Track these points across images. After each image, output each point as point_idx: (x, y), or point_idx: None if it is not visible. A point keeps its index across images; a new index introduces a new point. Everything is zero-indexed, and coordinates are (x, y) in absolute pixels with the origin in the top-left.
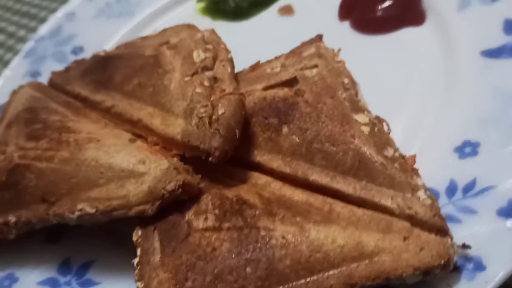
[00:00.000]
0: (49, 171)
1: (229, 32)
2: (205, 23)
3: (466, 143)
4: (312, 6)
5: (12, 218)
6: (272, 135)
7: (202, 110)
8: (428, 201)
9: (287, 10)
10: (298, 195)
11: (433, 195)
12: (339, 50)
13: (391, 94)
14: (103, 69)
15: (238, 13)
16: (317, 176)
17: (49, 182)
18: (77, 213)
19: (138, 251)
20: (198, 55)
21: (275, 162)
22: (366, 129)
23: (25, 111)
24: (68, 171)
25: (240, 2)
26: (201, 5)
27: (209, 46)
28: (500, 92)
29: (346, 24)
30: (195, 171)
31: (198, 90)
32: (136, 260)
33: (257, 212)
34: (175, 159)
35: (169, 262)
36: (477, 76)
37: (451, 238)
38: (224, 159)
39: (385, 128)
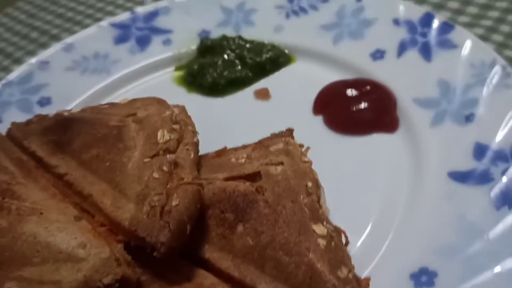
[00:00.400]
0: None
1: (202, 106)
2: (180, 92)
3: (423, 271)
4: (288, 94)
5: None
6: (226, 231)
7: (155, 198)
8: None
9: (263, 94)
10: None
11: None
12: (308, 149)
13: (354, 201)
14: (63, 131)
15: (214, 90)
16: (265, 286)
17: None
18: None
19: None
20: (163, 136)
21: (225, 263)
22: (322, 243)
23: None
24: (3, 243)
25: (218, 79)
26: (179, 74)
27: (176, 127)
28: (463, 221)
29: (319, 118)
30: (138, 259)
31: (155, 175)
32: None
33: None
34: (120, 245)
35: None
36: (442, 199)
37: None
38: (169, 255)
39: (343, 240)
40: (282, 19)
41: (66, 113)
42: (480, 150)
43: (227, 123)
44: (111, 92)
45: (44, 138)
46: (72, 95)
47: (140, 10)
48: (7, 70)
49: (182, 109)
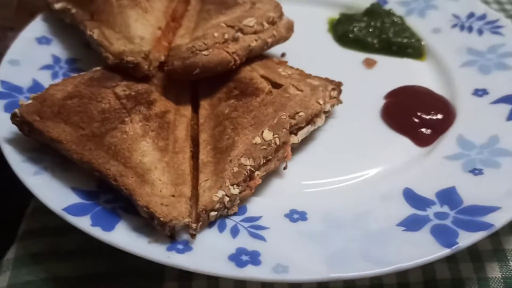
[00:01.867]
0: (109, 3)
1: (322, 40)
2: (322, 28)
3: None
4: (385, 76)
5: (73, 10)
6: (223, 97)
7: (199, 43)
8: (215, 199)
9: (369, 63)
10: (181, 133)
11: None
12: (339, 102)
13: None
14: None
15: (342, 38)
16: (204, 136)
17: (103, 9)
18: (89, 33)
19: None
20: (250, 21)
21: (204, 111)
22: (258, 140)
23: None
24: (114, 11)
25: (350, 32)
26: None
27: (265, 24)
28: None
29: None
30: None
31: (215, 34)
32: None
33: (144, 112)
34: (160, 55)
35: (80, 86)
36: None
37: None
38: (172, 75)
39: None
40: (447, 26)
41: None
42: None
43: (324, 62)
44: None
45: None
46: None
47: None
48: None
49: (288, 22)
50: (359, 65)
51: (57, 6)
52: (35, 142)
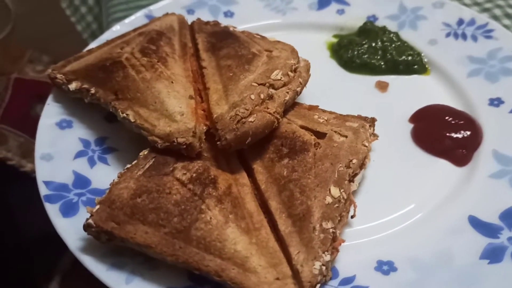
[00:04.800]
0: (131, 78)
1: (330, 71)
2: (324, 54)
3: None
4: (401, 96)
5: (92, 90)
6: (275, 158)
7: (242, 110)
8: (316, 272)
9: (382, 86)
10: (251, 205)
11: (327, 276)
12: (375, 138)
13: (385, 200)
14: (222, 39)
15: (349, 64)
16: (274, 204)
17: (125, 85)
18: (123, 115)
19: (134, 162)
20: (277, 75)
21: (261, 176)
22: (328, 200)
23: (156, 32)
24: (140, 87)
25: (356, 57)
26: (333, 40)
27: (291, 74)
28: None
29: (409, 127)
30: (210, 143)
31: (252, 96)
32: (128, 166)
33: (214, 193)
34: (203, 127)
35: (141, 180)
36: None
37: None
38: (227, 149)
39: (352, 211)
40: (441, 36)
41: (231, 28)
42: None
43: (337, 91)
44: (273, 29)
45: (209, 38)
46: (250, 18)
47: None
48: None
49: (306, 64)
50: (372, 90)
51: (72, 86)
52: (109, 246)
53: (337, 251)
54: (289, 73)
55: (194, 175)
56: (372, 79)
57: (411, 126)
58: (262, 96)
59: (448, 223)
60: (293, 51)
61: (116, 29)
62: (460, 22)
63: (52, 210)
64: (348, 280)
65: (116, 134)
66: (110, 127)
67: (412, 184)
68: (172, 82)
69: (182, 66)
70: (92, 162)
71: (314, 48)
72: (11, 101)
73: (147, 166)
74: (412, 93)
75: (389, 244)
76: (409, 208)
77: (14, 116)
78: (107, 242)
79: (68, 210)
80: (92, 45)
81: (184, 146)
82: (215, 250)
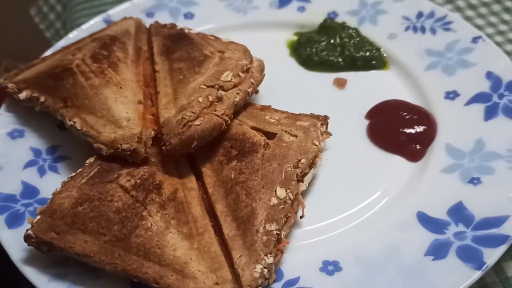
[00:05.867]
0: (80, 85)
1: (287, 69)
2: (283, 53)
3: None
4: (359, 93)
5: (42, 98)
6: (224, 160)
7: (189, 114)
8: (256, 275)
9: (340, 83)
10: (197, 209)
11: (270, 278)
12: (327, 136)
13: (336, 198)
14: (176, 42)
15: (307, 62)
16: (220, 208)
17: (74, 92)
18: (70, 123)
19: (79, 170)
20: (227, 76)
21: (209, 179)
22: (274, 201)
23: (110, 37)
24: (89, 94)
25: (314, 55)
26: (293, 38)
27: (242, 75)
28: None
29: (365, 123)
30: (159, 148)
31: (200, 99)
32: (72, 174)
33: (157, 199)
34: (150, 132)
35: (84, 188)
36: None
37: None
38: (172, 153)
39: (300, 212)
40: (400, 30)
41: (186, 30)
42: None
43: (294, 89)
44: (233, 29)
45: (164, 40)
46: (210, 19)
47: None
48: None
49: (260, 64)
50: (330, 87)
51: (22, 95)
52: (53, 256)
53: (282, 253)
54: (240, 74)
55: (138, 181)
56: (331, 76)
57: (367, 122)
58: (210, 98)
59: (397, 219)
60: (245, 51)
61: (73, 35)
62: (420, 15)
63: None
64: (292, 282)
65: (68, 143)
66: (63, 136)
67: (364, 182)
68: (121, 88)
69: (134, 71)
70: (42, 171)
71: (274, 47)
72: None
73: (91, 173)
74: (370, 89)
75: (337, 244)
76: (359, 207)
77: None
78: (48, 252)
79: (14, 221)
80: (47, 52)
81: (129, 152)
82: (154, 256)
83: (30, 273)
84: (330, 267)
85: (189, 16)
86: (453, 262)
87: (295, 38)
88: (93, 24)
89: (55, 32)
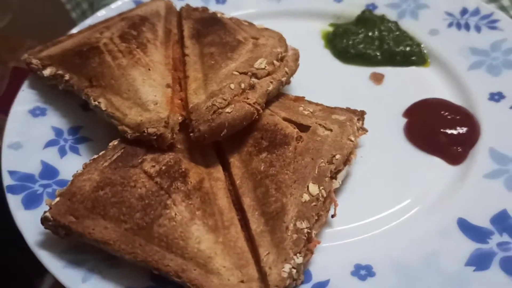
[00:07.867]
0: (107, 65)
1: (322, 61)
2: (317, 44)
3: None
4: (397, 90)
5: (66, 76)
6: (254, 151)
7: (219, 100)
8: (285, 275)
9: (377, 78)
10: (223, 201)
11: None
12: (363, 132)
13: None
14: (207, 26)
15: (343, 55)
16: (247, 201)
17: (100, 71)
18: (95, 103)
19: (102, 152)
20: (261, 63)
21: (237, 170)
22: (305, 198)
23: (139, 17)
24: (115, 74)
25: (350, 47)
26: (329, 29)
27: (276, 63)
28: None
29: (403, 121)
30: (186, 134)
31: (232, 86)
32: (94, 156)
33: (183, 188)
34: (178, 117)
35: (106, 172)
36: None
37: None
38: (200, 141)
39: (332, 211)
40: (443, 26)
41: (219, 14)
42: None
43: (328, 82)
44: (266, 17)
45: (195, 24)
46: (242, 5)
47: None
48: None
49: (295, 53)
50: (367, 82)
51: (46, 72)
52: (70, 241)
53: (312, 253)
54: (275, 62)
55: (163, 167)
56: (367, 71)
57: (405, 120)
58: (242, 85)
59: (436, 225)
60: (281, 39)
61: (101, 14)
62: (464, 11)
63: (14, 202)
64: (321, 285)
65: (91, 124)
66: (86, 116)
67: (401, 184)
68: (149, 69)
69: (163, 53)
70: (62, 152)
71: (308, 37)
72: (8, 90)
73: (114, 157)
74: (408, 86)
75: (370, 247)
76: (394, 209)
77: (11, 105)
78: (65, 237)
79: (31, 202)
80: (73, 31)
81: (155, 137)
82: (177, 248)
83: (45, 257)
84: (363, 272)
85: (221, 1)
86: (496, 274)
87: (330, 29)
88: (122, 4)
89: (81, 12)
